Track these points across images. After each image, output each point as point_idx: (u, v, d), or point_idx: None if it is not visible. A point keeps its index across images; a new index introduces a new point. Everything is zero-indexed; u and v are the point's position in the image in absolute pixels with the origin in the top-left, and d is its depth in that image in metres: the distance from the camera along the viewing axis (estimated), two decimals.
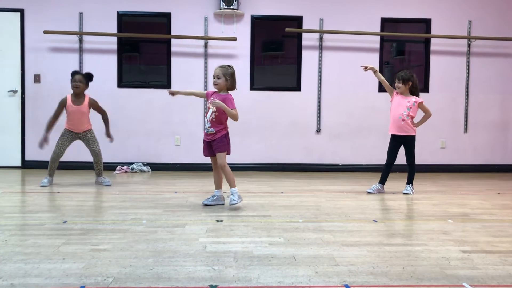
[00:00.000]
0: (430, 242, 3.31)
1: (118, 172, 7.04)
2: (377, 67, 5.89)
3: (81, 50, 7.19)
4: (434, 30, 7.58)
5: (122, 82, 7.35)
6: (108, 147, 7.19)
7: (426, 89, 7.54)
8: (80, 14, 7.19)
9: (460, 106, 7.73)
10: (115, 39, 7.26)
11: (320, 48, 7.48)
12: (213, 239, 3.32)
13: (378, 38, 7.51)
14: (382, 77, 5.50)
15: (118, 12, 7.26)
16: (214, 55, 7.34)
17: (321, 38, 7.47)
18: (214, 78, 4.41)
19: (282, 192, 5.43)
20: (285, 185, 6.04)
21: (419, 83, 5.60)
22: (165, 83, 7.29)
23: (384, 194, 5.38)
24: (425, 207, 4.69)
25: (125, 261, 2.79)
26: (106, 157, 7.16)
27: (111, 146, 7.22)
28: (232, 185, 4.36)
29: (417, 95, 5.41)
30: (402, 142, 5.43)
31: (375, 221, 4.00)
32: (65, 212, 4.18)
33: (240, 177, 6.51)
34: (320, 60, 7.49)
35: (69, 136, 5.63)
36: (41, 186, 5.55)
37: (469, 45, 7.66)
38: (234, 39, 7.23)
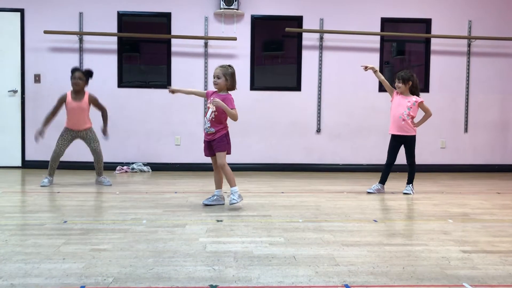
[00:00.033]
0: (430, 242, 3.31)
1: (118, 172, 7.04)
2: (377, 67, 5.89)
3: (81, 50, 7.20)
4: (434, 30, 7.58)
5: (122, 82, 7.35)
6: (109, 147, 7.20)
7: (426, 89, 7.54)
8: (80, 14, 7.19)
9: (460, 106, 7.73)
10: (115, 39, 7.26)
11: (320, 48, 7.48)
12: (213, 239, 3.32)
13: (378, 38, 7.52)
14: (382, 77, 5.50)
15: (118, 12, 7.26)
16: (214, 55, 7.34)
17: (321, 38, 7.47)
18: (214, 78, 4.41)
19: (282, 192, 5.43)
20: (285, 185, 6.04)
21: (419, 83, 5.59)
22: (165, 83, 7.29)
23: (384, 194, 5.38)
24: (425, 207, 4.69)
25: (125, 261, 2.79)
26: (107, 157, 7.16)
27: (112, 146, 7.24)
28: (232, 184, 4.36)
29: (418, 95, 5.41)
30: (402, 142, 5.43)
31: (375, 221, 4.00)
32: (65, 212, 4.18)
33: (240, 177, 6.51)
34: (320, 60, 7.49)
35: (69, 135, 5.63)
36: (41, 186, 5.56)
37: (469, 45, 7.66)
38: (234, 39, 7.23)
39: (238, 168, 7.13)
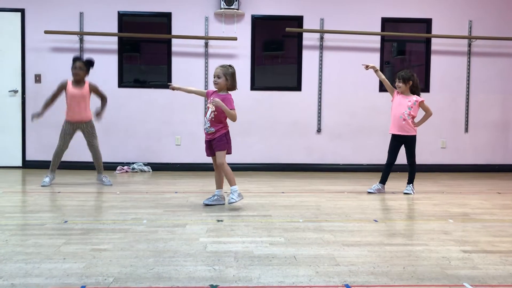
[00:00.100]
0: (431, 242, 3.31)
1: (118, 172, 7.05)
2: (378, 67, 5.89)
3: (81, 50, 7.20)
4: (435, 30, 7.58)
5: (123, 82, 7.36)
6: (109, 147, 7.21)
7: (426, 89, 7.54)
8: (81, 14, 7.20)
9: (461, 106, 7.73)
10: (115, 39, 7.26)
11: (321, 48, 7.48)
12: (213, 239, 3.32)
13: (378, 38, 7.51)
14: (383, 76, 5.50)
15: (118, 12, 7.26)
16: (215, 55, 7.34)
17: (321, 38, 7.47)
18: (214, 78, 4.41)
19: (283, 192, 5.43)
20: (286, 185, 6.04)
21: (419, 83, 5.59)
22: (166, 83, 7.28)
23: (384, 194, 5.38)
24: (425, 207, 4.69)
25: (125, 261, 2.79)
26: (107, 157, 7.18)
27: (112, 146, 7.25)
28: (231, 183, 4.36)
29: (418, 94, 5.41)
30: (403, 142, 5.43)
31: (375, 221, 4.00)
32: (66, 212, 4.19)
33: (240, 177, 6.52)
34: (321, 60, 7.49)
35: (70, 128, 5.61)
36: (42, 186, 5.55)
37: (469, 45, 7.65)
38: (235, 39, 7.23)
39: (239, 168, 7.14)
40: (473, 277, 2.60)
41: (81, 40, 7.18)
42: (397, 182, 5.92)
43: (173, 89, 4.73)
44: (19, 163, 7.30)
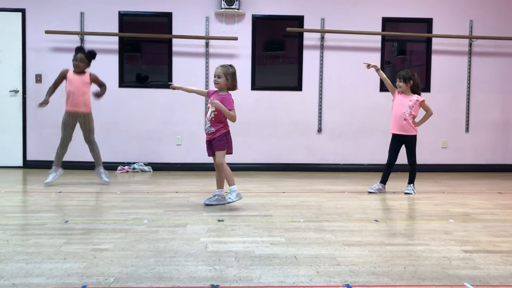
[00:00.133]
0: (432, 242, 3.31)
1: (119, 172, 7.05)
2: (379, 65, 5.89)
3: None
4: (436, 30, 7.57)
5: (123, 82, 7.36)
6: (110, 147, 7.21)
7: (427, 88, 7.53)
8: (82, 14, 7.20)
9: (462, 106, 7.72)
10: (116, 39, 7.26)
11: (321, 47, 7.48)
12: (214, 239, 3.32)
13: (379, 37, 7.51)
14: (384, 75, 5.50)
15: (119, 12, 7.27)
16: (215, 55, 7.34)
17: (322, 38, 7.46)
18: (215, 77, 4.41)
19: (283, 192, 5.43)
20: (286, 184, 6.04)
21: (420, 83, 5.59)
22: (166, 83, 7.27)
23: (385, 194, 5.38)
24: (426, 207, 4.68)
25: (126, 260, 2.79)
26: (108, 157, 7.18)
27: (113, 146, 7.25)
28: (230, 183, 4.36)
29: (419, 94, 5.41)
30: (403, 141, 5.43)
31: (376, 221, 4.00)
32: (67, 212, 4.19)
33: (241, 177, 6.52)
34: (321, 60, 7.49)
35: (70, 119, 5.61)
36: (46, 183, 5.55)
37: (470, 45, 7.65)
38: (235, 38, 7.23)
39: (239, 168, 7.14)
40: (474, 277, 2.60)
41: (82, 40, 7.18)
42: (397, 182, 5.91)
43: (174, 88, 4.73)
44: (19, 163, 7.30)
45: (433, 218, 4.13)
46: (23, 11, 7.18)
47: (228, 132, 4.43)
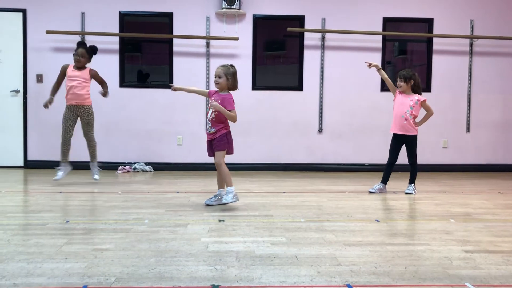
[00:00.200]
0: (433, 242, 3.31)
1: (120, 171, 7.05)
2: (380, 66, 5.88)
3: None
4: (436, 30, 7.57)
5: (124, 82, 7.36)
6: (111, 147, 7.22)
7: (428, 88, 7.53)
8: (82, 14, 7.20)
9: (463, 106, 7.72)
10: (117, 39, 7.27)
11: (322, 47, 7.48)
12: (215, 239, 3.32)
13: (380, 37, 7.51)
14: (386, 75, 5.50)
15: (120, 12, 7.27)
16: (216, 55, 7.34)
17: (323, 38, 7.46)
18: (215, 78, 4.40)
19: (284, 192, 5.43)
20: (287, 184, 6.04)
21: (421, 83, 5.59)
22: (167, 83, 7.29)
23: (386, 194, 5.38)
24: (427, 206, 4.68)
25: (127, 260, 2.79)
26: (109, 157, 7.21)
27: (114, 146, 7.26)
28: (228, 184, 4.35)
29: (420, 94, 5.41)
30: (404, 141, 5.43)
31: (377, 221, 4.00)
32: (68, 212, 4.19)
33: (241, 177, 6.52)
34: (322, 60, 7.49)
35: (71, 114, 5.62)
36: (55, 180, 5.60)
37: (471, 45, 7.64)
38: (236, 38, 7.23)
39: (240, 168, 7.15)
40: (475, 277, 2.60)
41: (84, 40, 7.17)
42: (398, 182, 5.91)
43: (175, 89, 4.72)
44: (20, 163, 7.31)
45: (434, 218, 4.13)
46: (24, 11, 7.18)
47: (229, 132, 4.43)
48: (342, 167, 7.54)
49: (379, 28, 7.50)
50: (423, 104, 5.36)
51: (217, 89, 4.45)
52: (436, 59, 7.64)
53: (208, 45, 7.35)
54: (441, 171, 7.54)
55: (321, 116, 7.52)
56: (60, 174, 5.66)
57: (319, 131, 7.54)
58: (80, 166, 6.99)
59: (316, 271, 2.66)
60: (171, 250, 3.01)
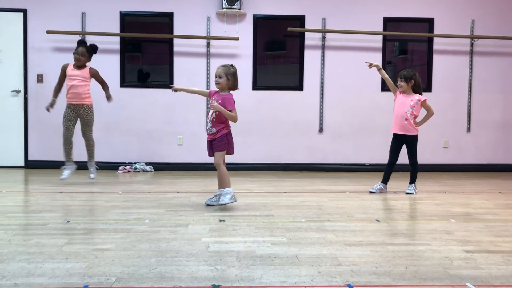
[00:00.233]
0: (433, 242, 3.31)
1: (121, 171, 7.05)
2: (380, 66, 5.88)
3: None
4: (437, 30, 7.57)
5: (125, 82, 7.36)
6: (111, 147, 7.23)
7: (429, 88, 7.52)
8: (83, 14, 7.21)
9: (463, 106, 7.71)
10: (117, 39, 7.27)
11: (323, 47, 7.48)
12: (215, 239, 3.32)
13: (380, 37, 7.51)
14: (386, 75, 5.50)
15: (120, 12, 7.27)
16: (217, 55, 7.34)
17: (323, 38, 7.46)
18: (216, 78, 4.40)
19: (285, 192, 5.43)
20: (288, 184, 6.04)
21: (421, 82, 5.58)
22: (168, 83, 7.30)
23: (386, 194, 5.37)
24: (428, 206, 4.68)
25: (128, 260, 2.79)
26: (109, 157, 7.22)
27: (114, 146, 7.26)
28: (226, 185, 4.35)
29: (420, 94, 5.41)
30: (404, 141, 5.43)
31: (377, 220, 4.00)
32: (68, 212, 4.19)
33: (242, 177, 6.52)
34: (323, 60, 7.49)
35: (71, 113, 5.62)
36: (61, 179, 5.61)
37: (472, 45, 7.64)
38: (237, 38, 7.23)
39: (240, 168, 7.15)
40: (475, 277, 2.60)
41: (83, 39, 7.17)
42: (399, 182, 5.91)
43: (175, 90, 4.71)
44: (21, 163, 7.31)
45: (434, 218, 4.13)
46: (24, 11, 7.19)
47: (230, 132, 4.43)
48: (343, 167, 7.54)
49: (380, 28, 7.50)
50: (423, 104, 5.36)
51: (218, 89, 4.45)
52: (436, 59, 7.63)
53: (208, 45, 7.35)
54: (442, 171, 7.54)
55: (321, 116, 7.52)
56: (66, 173, 5.67)
57: (319, 131, 7.54)
58: (81, 166, 6.99)
59: (317, 271, 2.66)
60: (171, 250, 3.01)
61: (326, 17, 7.43)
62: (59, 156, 6.84)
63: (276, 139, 7.49)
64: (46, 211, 4.21)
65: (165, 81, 7.35)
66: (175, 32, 7.31)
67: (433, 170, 7.49)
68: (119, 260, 2.80)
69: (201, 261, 2.81)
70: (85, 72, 5.65)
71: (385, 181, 5.48)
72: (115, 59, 7.29)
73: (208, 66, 7.34)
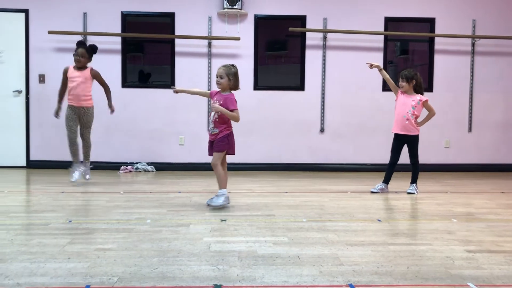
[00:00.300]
0: (435, 242, 3.31)
1: (122, 171, 7.06)
2: (381, 66, 5.88)
3: None
4: (438, 29, 7.56)
5: (126, 82, 7.37)
6: (113, 147, 7.24)
7: (430, 88, 7.52)
8: (84, 14, 7.21)
9: (464, 105, 7.71)
10: (119, 39, 7.28)
11: (324, 47, 7.48)
12: (217, 239, 3.32)
13: (382, 37, 7.50)
14: (387, 76, 5.49)
15: (122, 12, 7.28)
16: (218, 55, 7.35)
17: (324, 38, 7.46)
18: (217, 78, 4.40)
19: (286, 192, 5.43)
20: (289, 184, 6.04)
21: (423, 82, 5.58)
22: (169, 83, 7.30)
23: (388, 194, 5.37)
24: (429, 206, 4.68)
25: (129, 260, 2.80)
26: (111, 157, 7.23)
27: (116, 146, 7.27)
28: (221, 186, 4.35)
29: (422, 94, 5.41)
30: (405, 141, 5.43)
31: (379, 220, 4.00)
32: (70, 212, 4.20)
33: (243, 177, 6.53)
34: (324, 60, 7.49)
35: (72, 114, 5.63)
36: (72, 181, 5.60)
37: (473, 44, 7.63)
38: (238, 39, 7.24)
39: (241, 168, 7.15)
40: (477, 277, 2.60)
41: (85, 40, 7.17)
42: (400, 182, 5.91)
43: (177, 92, 4.72)
44: (23, 163, 7.32)
45: (436, 218, 4.13)
46: (26, 11, 7.20)
47: (231, 133, 4.42)
48: (344, 167, 7.54)
49: (381, 28, 7.49)
50: (425, 104, 5.36)
51: (219, 90, 4.45)
52: (438, 59, 7.63)
53: (210, 45, 7.35)
54: (443, 171, 7.53)
55: (322, 116, 7.52)
56: (76, 175, 5.66)
57: (320, 131, 7.54)
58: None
59: (318, 271, 2.66)
60: (173, 250, 3.02)
61: (327, 17, 7.43)
62: (61, 156, 6.88)
63: (277, 139, 7.49)
64: (48, 211, 4.22)
65: (167, 81, 7.36)
66: (177, 32, 7.32)
67: (435, 170, 7.48)
68: (121, 260, 2.81)
69: (203, 261, 2.81)
70: (85, 73, 5.65)
71: (386, 181, 5.48)
72: (117, 60, 7.30)
73: (209, 66, 7.35)
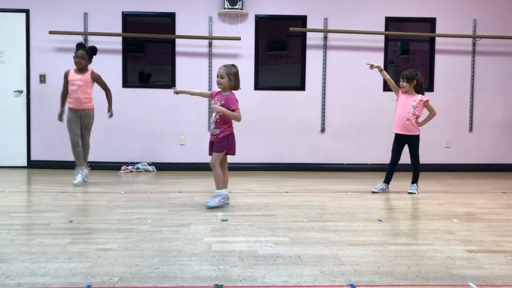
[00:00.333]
0: (436, 242, 3.31)
1: (123, 171, 7.06)
2: (382, 66, 5.88)
3: None
4: (439, 29, 7.56)
5: (127, 82, 7.37)
6: (114, 147, 7.24)
7: (431, 88, 7.52)
8: (85, 14, 7.22)
9: (465, 105, 7.70)
10: (119, 39, 7.28)
11: (325, 47, 7.48)
12: (218, 239, 3.32)
13: (382, 37, 7.50)
14: (388, 76, 5.49)
15: (122, 12, 7.28)
16: (219, 55, 7.35)
17: (325, 38, 7.46)
18: (217, 78, 4.40)
19: (287, 192, 5.43)
20: (290, 184, 6.04)
21: (424, 82, 5.58)
22: (170, 83, 7.31)
23: (389, 194, 5.37)
24: (430, 206, 4.68)
25: (130, 260, 2.80)
26: (111, 157, 7.23)
27: (117, 146, 7.27)
28: (218, 187, 4.35)
29: (422, 94, 5.41)
30: (406, 141, 5.42)
31: (380, 220, 4.00)
32: (71, 212, 4.20)
33: (244, 177, 6.53)
34: (325, 60, 7.48)
35: (74, 117, 5.64)
36: (75, 184, 5.57)
37: (474, 44, 7.63)
38: (239, 38, 7.24)
39: (242, 167, 7.15)
40: (478, 277, 2.60)
41: (86, 40, 7.19)
42: (401, 182, 5.91)
43: (177, 93, 4.72)
44: (24, 163, 7.33)
45: (436, 217, 4.13)
46: (27, 11, 7.20)
47: (232, 133, 4.42)
48: (345, 167, 7.54)
49: (382, 28, 7.49)
50: (426, 104, 5.35)
51: (220, 90, 4.45)
52: (438, 59, 7.63)
53: (210, 45, 7.35)
54: (444, 171, 7.53)
55: (323, 116, 7.52)
56: (79, 178, 5.65)
57: (321, 131, 7.54)
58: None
59: (319, 270, 2.66)
60: (174, 250, 3.02)
61: (328, 17, 7.43)
62: (62, 156, 6.89)
63: (278, 139, 7.49)
64: (49, 211, 4.22)
65: (167, 81, 7.36)
66: (177, 32, 7.32)
67: (435, 170, 7.48)
68: (121, 260, 2.81)
69: (204, 260, 2.81)
70: (86, 77, 5.65)
71: (387, 181, 5.48)
72: (117, 60, 7.30)
73: (210, 66, 7.35)
